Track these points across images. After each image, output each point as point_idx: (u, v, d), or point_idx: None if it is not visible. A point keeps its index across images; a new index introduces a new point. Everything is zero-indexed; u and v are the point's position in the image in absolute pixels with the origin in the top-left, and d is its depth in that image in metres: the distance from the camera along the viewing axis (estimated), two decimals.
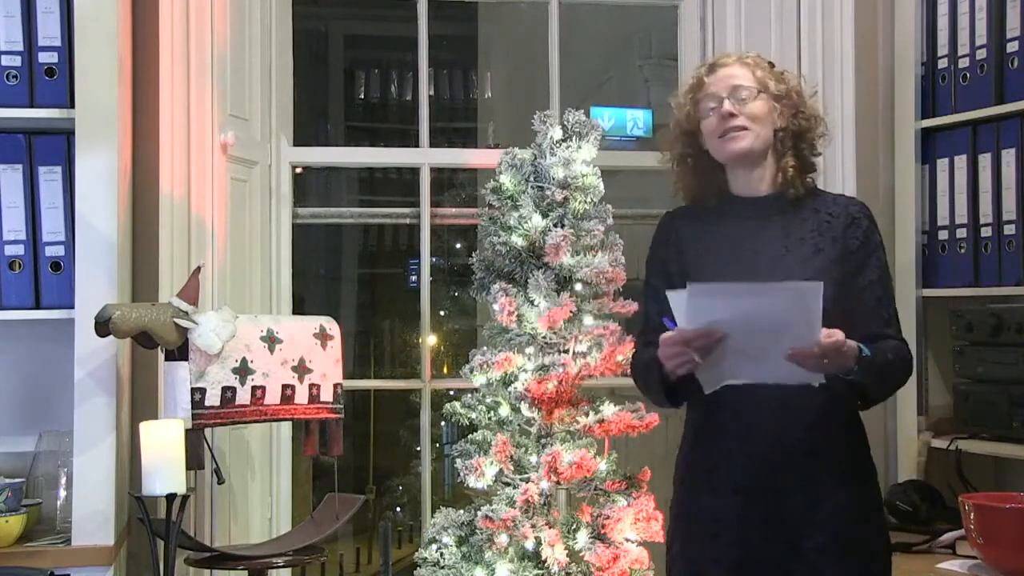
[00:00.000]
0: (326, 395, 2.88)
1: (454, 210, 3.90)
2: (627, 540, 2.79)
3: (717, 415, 2.25)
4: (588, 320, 2.84)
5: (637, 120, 4.57)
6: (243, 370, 2.72)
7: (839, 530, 2.20)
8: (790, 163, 2.31)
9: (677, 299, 2.08)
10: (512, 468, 2.81)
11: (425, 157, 3.51)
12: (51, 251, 2.72)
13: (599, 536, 2.78)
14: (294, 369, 2.82)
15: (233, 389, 2.71)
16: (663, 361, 2.15)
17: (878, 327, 2.25)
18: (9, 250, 2.71)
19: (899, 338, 2.29)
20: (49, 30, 2.71)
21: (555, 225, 2.85)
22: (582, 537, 2.76)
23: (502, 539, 2.72)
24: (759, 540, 2.20)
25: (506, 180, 2.92)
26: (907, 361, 2.27)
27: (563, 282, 2.85)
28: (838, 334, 2.06)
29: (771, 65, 2.38)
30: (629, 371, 2.48)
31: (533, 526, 2.72)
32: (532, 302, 2.83)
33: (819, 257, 2.25)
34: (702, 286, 2.08)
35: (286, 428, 3.29)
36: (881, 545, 2.28)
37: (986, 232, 2.90)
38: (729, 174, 2.35)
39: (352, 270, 8.00)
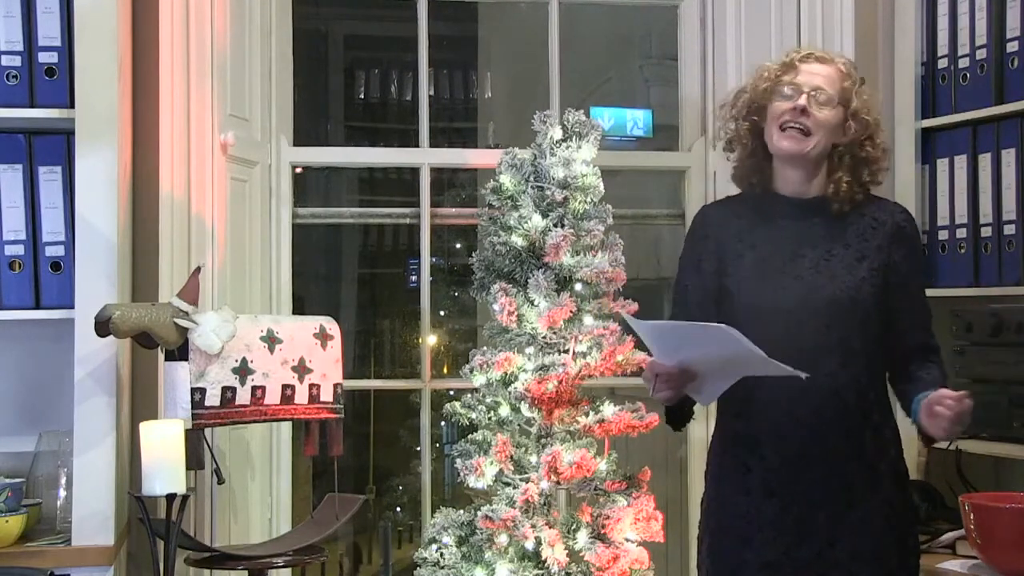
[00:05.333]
0: (326, 395, 2.88)
1: (454, 210, 3.90)
2: (627, 540, 2.78)
3: (751, 418, 2.25)
4: (588, 320, 2.83)
5: (637, 120, 4.58)
6: (243, 370, 2.72)
7: (873, 536, 2.19)
8: (844, 178, 2.28)
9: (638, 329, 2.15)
10: (512, 468, 2.81)
11: (425, 157, 3.51)
12: (51, 251, 2.72)
13: (599, 536, 2.77)
14: (294, 369, 2.82)
15: (233, 389, 2.71)
16: (649, 389, 2.19)
17: (923, 336, 2.32)
18: (9, 250, 2.71)
19: (937, 347, 2.35)
20: (49, 30, 2.71)
21: (555, 225, 2.85)
22: (582, 537, 2.76)
23: (502, 539, 2.72)
24: (791, 543, 2.19)
25: (506, 180, 2.92)
26: None
27: (563, 282, 2.85)
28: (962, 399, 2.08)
29: (862, 81, 2.34)
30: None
31: (533, 526, 2.72)
32: (532, 302, 2.83)
33: (863, 264, 2.24)
34: (644, 325, 2.13)
35: (286, 428, 3.29)
36: (911, 550, 2.28)
37: (986, 232, 2.90)
38: (776, 171, 2.33)
39: (352, 270, 7.99)
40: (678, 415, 2.33)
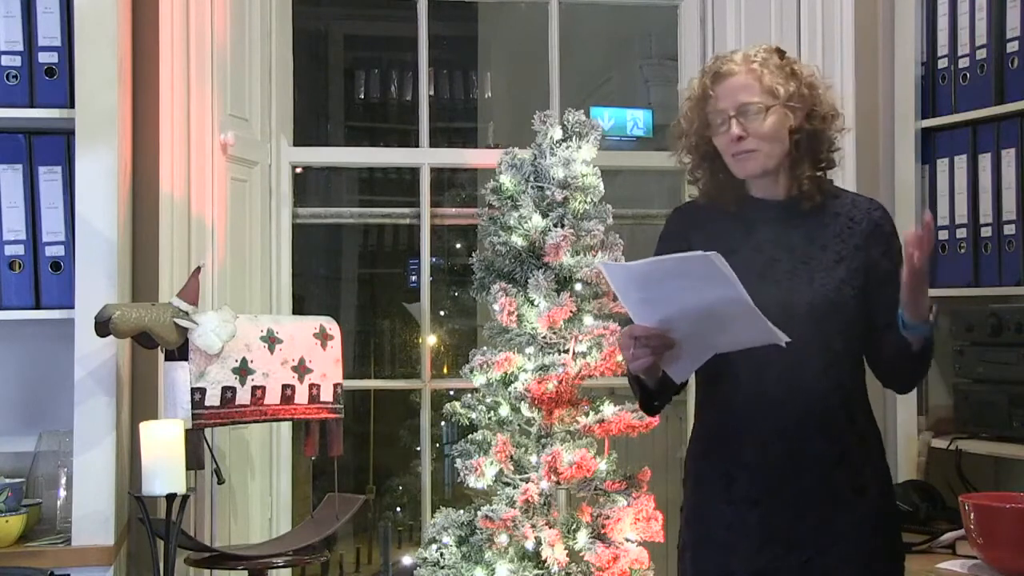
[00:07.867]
0: (326, 395, 2.88)
1: (454, 210, 3.90)
2: (627, 540, 2.79)
3: (732, 422, 2.20)
4: (588, 320, 2.84)
5: (637, 120, 4.57)
6: (243, 370, 2.72)
7: (860, 542, 2.18)
8: (805, 172, 2.22)
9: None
10: (512, 468, 2.81)
11: (425, 157, 3.51)
12: (51, 251, 2.72)
13: (599, 536, 2.78)
14: (294, 369, 2.82)
15: (233, 389, 2.71)
16: (625, 360, 2.11)
17: None
18: (9, 250, 2.71)
19: None
20: (49, 30, 2.71)
21: (555, 225, 2.85)
22: (582, 537, 2.76)
23: (502, 539, 2.72)
24: (779, 552, 2.17)
25: (506, 180, 2.92)
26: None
27: (563, 282, 2.85)
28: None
29: (781, 56, 2.25)
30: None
31: (533, 526, 2.72)
32: (532, 302, 2.83)
33: (841, 266, 2.20)
34: (619, 269, 2.06)
35: (286, 428, 3.29)
36: (898, 555, 2.27)
37: (986, 232, 2.90)
38: (747, 180, 2.29)
39: (352, 270, 8.00)
40: (652, 396, 2.23)
